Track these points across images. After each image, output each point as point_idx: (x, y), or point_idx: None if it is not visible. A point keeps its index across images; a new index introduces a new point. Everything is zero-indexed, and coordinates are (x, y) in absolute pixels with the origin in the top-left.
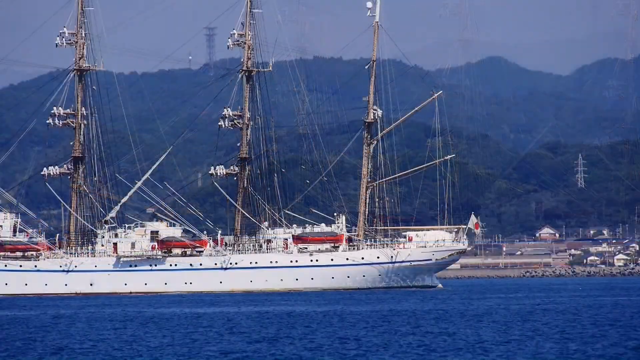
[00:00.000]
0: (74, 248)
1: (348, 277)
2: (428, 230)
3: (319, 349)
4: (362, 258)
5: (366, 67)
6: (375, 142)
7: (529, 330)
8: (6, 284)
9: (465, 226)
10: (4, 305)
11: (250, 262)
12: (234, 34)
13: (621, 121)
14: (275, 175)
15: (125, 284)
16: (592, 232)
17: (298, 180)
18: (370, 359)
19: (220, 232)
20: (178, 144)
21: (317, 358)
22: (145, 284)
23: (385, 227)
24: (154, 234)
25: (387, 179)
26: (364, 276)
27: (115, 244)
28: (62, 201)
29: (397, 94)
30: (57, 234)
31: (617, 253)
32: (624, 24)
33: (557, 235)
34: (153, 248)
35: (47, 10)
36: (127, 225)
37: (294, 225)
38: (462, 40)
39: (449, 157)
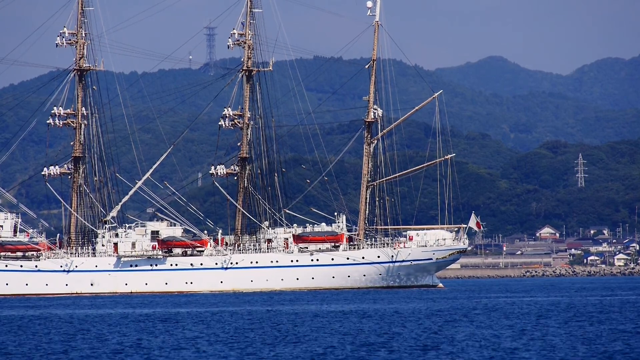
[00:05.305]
0: (74, 248)
1: (349, 276)
2: (428, 229)
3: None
4: (363, 257)
5: (366, 67)
6: (375, 141)
7: None
8: (7, 284)
9: (465, 225)
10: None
11: (251, 262)
12: (234, 33)
13: (621, 121)
14: (276, 174)
15: (126, 284)
16: (592, 232)
17: (298, 180)
18: None
19: (220, 231)
20: (178, 144)
21: None
22: (146, 284)
23: (386, 227)
24: (155, 234)
25: (387, 178)
26: (364, 276)
27: (115, 244)
28: (62, 201)
29: (397, 93)
30: (58, 234)
31: (617, 253)
32: (624, 24)
33: (557, 235)
34: (154, 248)
35: (47, 10)
36: (127, 225)
37: (295, 225)
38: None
39: (449, 156)
